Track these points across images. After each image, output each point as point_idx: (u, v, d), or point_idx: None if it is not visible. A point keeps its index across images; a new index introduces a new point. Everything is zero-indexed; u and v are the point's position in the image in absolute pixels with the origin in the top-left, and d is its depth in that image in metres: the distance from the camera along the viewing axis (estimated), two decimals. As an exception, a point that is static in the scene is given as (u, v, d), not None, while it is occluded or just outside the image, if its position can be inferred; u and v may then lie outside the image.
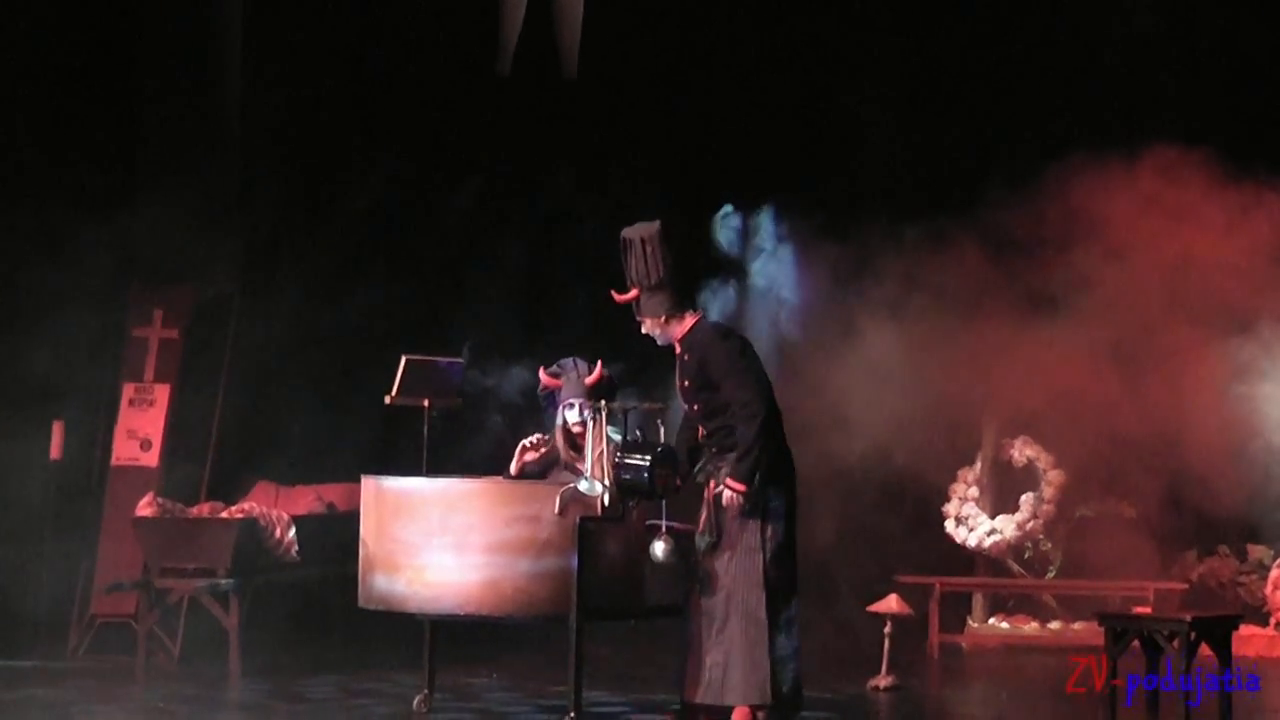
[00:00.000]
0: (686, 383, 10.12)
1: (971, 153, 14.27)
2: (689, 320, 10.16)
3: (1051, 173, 13.89)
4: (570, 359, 10.67)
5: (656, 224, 10.08)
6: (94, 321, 13.79)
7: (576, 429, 10.44)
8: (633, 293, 10.09)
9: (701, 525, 10.08)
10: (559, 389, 10.59)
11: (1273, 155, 14.11)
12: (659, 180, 14.40)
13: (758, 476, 9.86)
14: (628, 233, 10.11)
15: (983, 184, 14.09)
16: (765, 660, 9.88)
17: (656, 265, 10.02)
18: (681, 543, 9.98)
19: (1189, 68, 13.98)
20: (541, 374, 10.62)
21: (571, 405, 10.41)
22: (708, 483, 10.09)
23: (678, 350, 10.16)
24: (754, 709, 9.91)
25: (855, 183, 14.28)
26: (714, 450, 10.08)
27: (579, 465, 10.17)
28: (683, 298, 10.17)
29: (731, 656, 9.87)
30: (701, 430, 10.12)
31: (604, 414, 10.02)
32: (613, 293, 10.15)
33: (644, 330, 10.20)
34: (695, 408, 10.10)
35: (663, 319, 10.11)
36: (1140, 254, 13.97)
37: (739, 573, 9.93)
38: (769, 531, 9.96)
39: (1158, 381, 13.95)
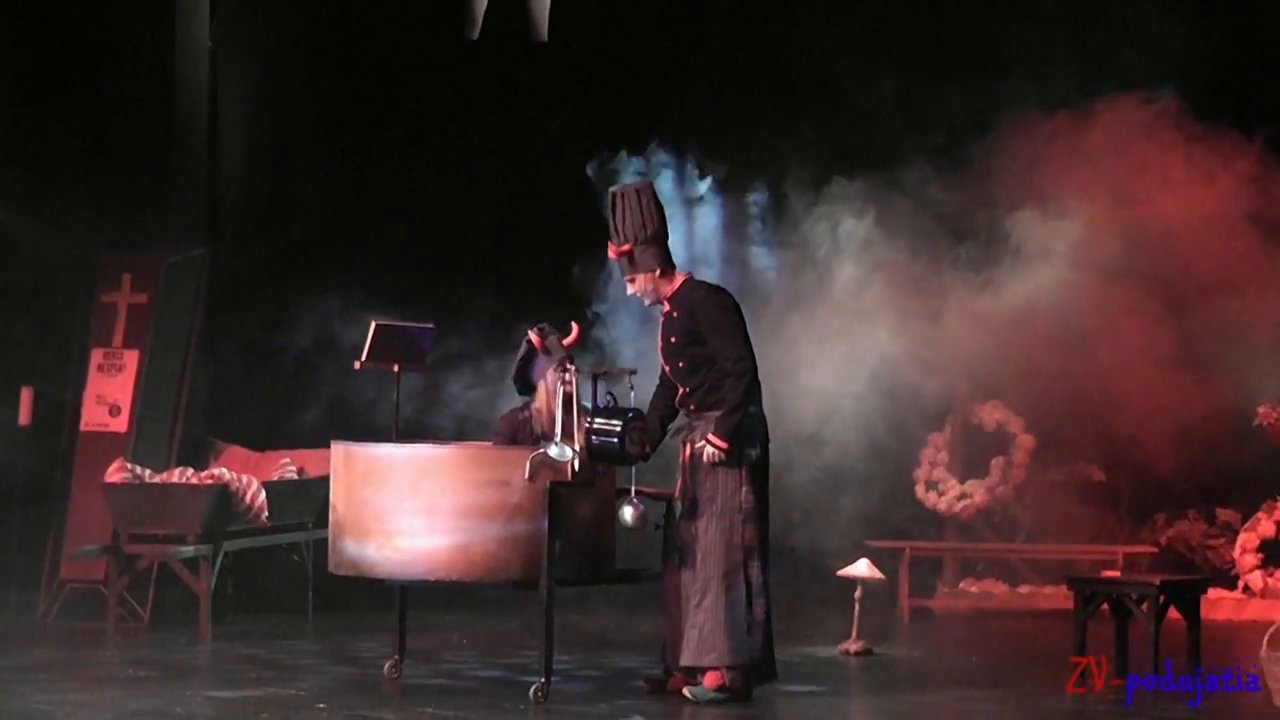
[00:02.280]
0: (673, 339, 10.10)
1: (923, 107, 14.19)
2: (679, 278, 10.17)
3: (1004, 128, 13.86)
4: (545, 324, 10.59)
5: (649, 179, 10.14)
6: (62, 287, 13.73)
7: (568, 390, 10.32)
8: (626, 247, 10.09)
9: (678, 490, 10.08)
10: (538, 357, 10.49)
11: (1235, 112, 14.07)
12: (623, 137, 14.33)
13: (739, 436, 9.87)
14: (620, 188, 10.15)
15: (932, 141, 14.06)
16: (743, 622, 9.91)
17: (651, 218, 10.05)
18: (652, 508, 9.97)
19: (1148, 18, 13.87)
20: (532, 335, 10.50)
21: (566, 370, 10.22)
22: (684, 446, 10.09)
23: (666, 308, 10.15)
24: (727, 670, 9.93)
25: (810, 141, 14.18)
26: (692, 408, 10.08)
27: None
28: (670, 255, 10.18)
29: (711, 618, 9.87)
30: (681, 390, 10.10)
31: (576, 378, 9.98)
32: (610, 245, 10.14)
33: (632, 289, 10.19)
34: (680, 364, 10.08)
35: (656, 272, 10.10)
36: (1098, 213, 13.93)
37: (716, 535, 9.94)
38: (745, 494, 9.97)
39: (1119, 345, 13.94)
